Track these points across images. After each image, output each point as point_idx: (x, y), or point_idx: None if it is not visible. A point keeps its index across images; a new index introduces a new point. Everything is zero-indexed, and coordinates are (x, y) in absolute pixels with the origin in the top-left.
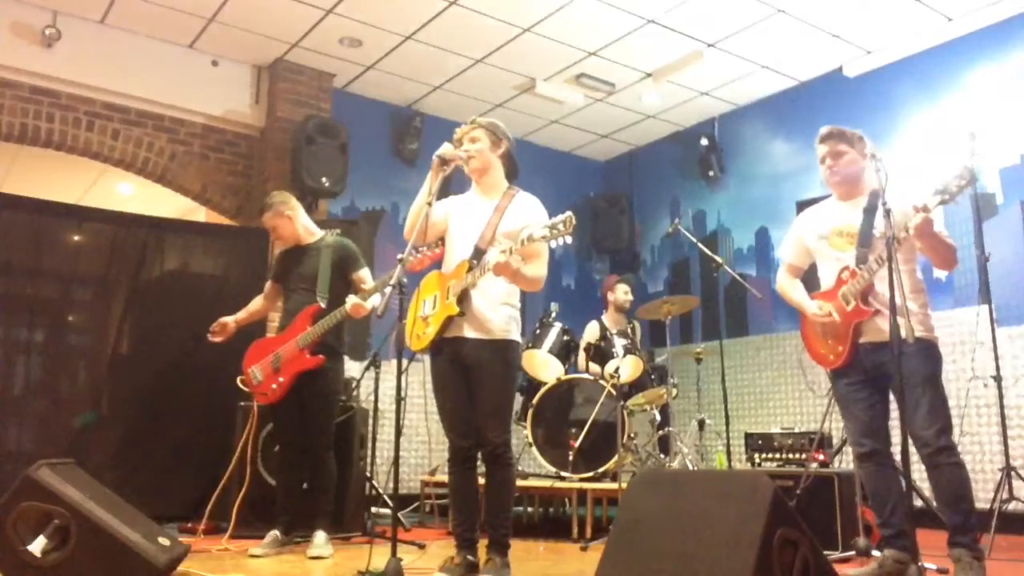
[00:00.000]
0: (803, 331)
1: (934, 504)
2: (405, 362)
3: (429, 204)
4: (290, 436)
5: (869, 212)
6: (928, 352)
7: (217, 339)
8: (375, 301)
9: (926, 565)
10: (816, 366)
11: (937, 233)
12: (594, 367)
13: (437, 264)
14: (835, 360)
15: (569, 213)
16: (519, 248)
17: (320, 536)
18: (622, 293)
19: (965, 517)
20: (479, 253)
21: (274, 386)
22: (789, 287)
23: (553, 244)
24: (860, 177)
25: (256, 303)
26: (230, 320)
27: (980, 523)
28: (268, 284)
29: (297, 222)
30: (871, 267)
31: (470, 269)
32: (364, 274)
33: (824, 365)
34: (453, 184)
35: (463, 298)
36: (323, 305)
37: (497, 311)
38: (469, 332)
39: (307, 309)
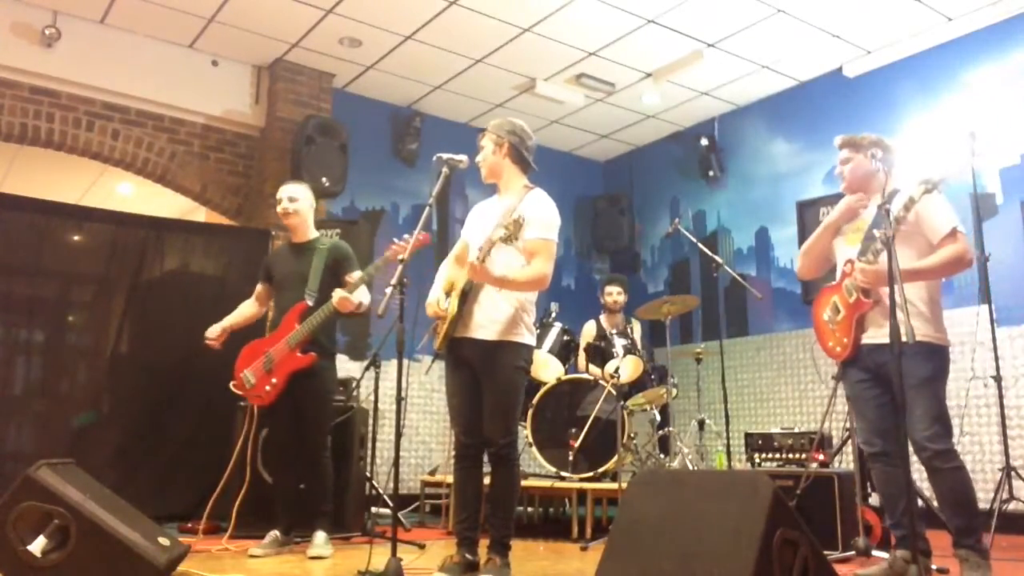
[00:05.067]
0: (816, 323)
1: (935, 504)
2: (405, 362)
3: (430, 206)
4: (285, 437)
5: (882, 209)
6: (927, 354)
7: (217, 345)
8: (362, 296)
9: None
10: (815, 366)
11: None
12: (594, 368)
13: (429, 250)
14: (842, 352)
15: (518, 215)
16: (487, 254)
17: (320, 536)
18: (610, 295)
19: (969, 520)
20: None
21: (268, 388)
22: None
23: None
24: (870, 178)
25: (248, 307)
26: (222, 327)
27: (983, 523)
28: (259, 287)
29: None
30: (868, 259)
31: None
32: (360, 279)
33: (833, 357)
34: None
35: (462, 300)
36: (310, 303)
37: (500, 310)
38: (473, 333)
39: (295, 307)
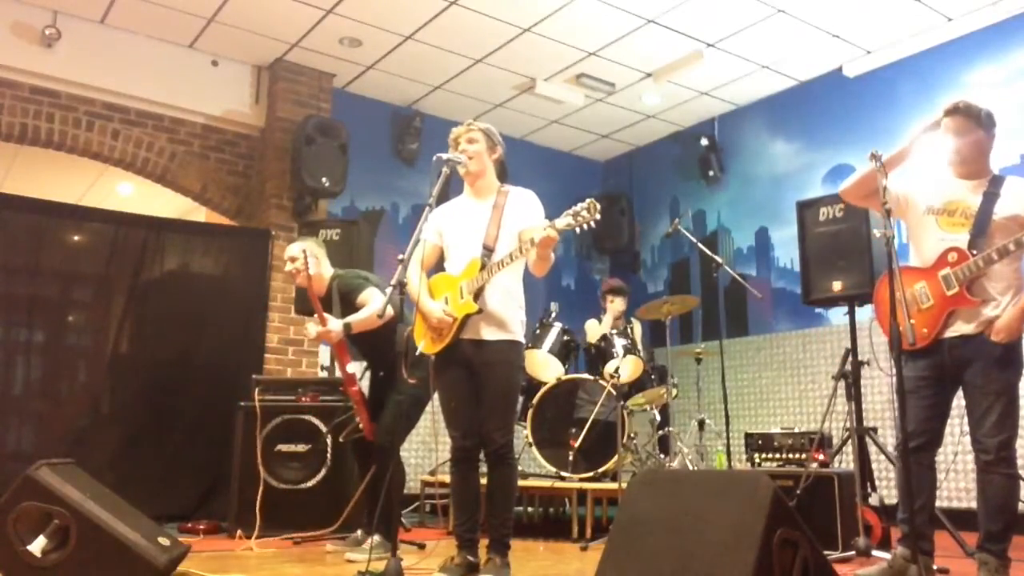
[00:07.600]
0: (883, 306)
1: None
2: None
3: (430, 206)
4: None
5: (989, 196)
6: (1011, 356)
7: None
8: (364, 312)
9: None
10: (815, 366)
11: None
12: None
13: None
14: (917, 342)
15: (591, 199)
16: (554, 227)
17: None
18: (616, 305)
19: (1004, 528)
20: (488, 251)
21: (360, 421)
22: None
23: (578, 230)
24: (986, 157)
25: None
26: None
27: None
28: None
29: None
30: (990, 256)
31: (483, 267)
32: (365, 296)
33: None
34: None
35: (479, 296)
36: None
37: (510, 310)
38: (482, 333)
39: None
